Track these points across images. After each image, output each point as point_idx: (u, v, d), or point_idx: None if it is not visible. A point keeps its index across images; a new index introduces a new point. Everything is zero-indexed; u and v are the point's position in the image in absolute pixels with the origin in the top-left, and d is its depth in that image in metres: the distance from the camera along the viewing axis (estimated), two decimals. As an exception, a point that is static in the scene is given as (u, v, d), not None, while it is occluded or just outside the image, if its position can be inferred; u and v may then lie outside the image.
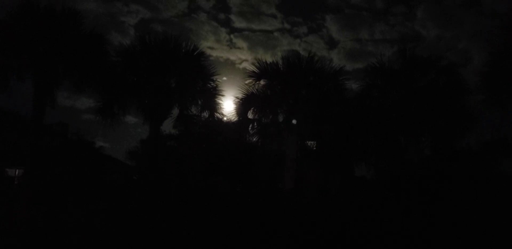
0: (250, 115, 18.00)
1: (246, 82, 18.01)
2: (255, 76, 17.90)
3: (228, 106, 18.19)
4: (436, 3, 30.60)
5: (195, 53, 17.38)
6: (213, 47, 30.74)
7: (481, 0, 29.45)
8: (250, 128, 18.09)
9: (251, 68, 17.94)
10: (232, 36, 31.42)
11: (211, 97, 17.48)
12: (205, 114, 17.77)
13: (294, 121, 17.04)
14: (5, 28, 15.39)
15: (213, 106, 17.60)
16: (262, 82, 18.07)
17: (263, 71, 17.83)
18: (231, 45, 31.24)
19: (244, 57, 31.26)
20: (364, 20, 31.85)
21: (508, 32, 15.60)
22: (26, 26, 15.25)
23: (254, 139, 18.84)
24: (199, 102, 17.57)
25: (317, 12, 32.50)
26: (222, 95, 17.70)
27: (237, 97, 17.93)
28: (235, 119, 18.26)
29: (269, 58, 17.46)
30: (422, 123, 16.44)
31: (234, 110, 18.05)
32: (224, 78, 19.07)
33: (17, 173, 21.73)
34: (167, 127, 18.68)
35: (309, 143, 19.08)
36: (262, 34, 32.01)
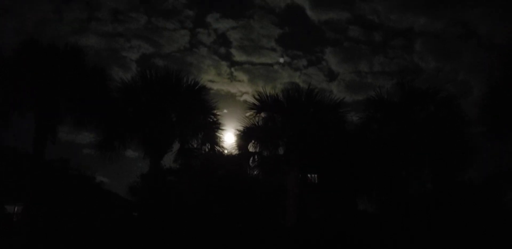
0: (251, 148, 17.95)
1: (247, 114, 18.08)
2: (256, 108, 17.97)
3: (229, 138, 18.23)
4: (434, 36, 31.34)
5: (196, 88, 17.53)
6: (214, 80, 31.21)
7: (479, 33, 30.09)
8: (251, 161, 18.00)
9: (252, 100, 18.06)
10: (232, 69, 31.98)
11: (212, 131, 17.51)
12: (206, 147, 17.73)
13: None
14: (8, 65, 15.60)
15: (214, 140, 17.59)
16: (262, 114, 18.12)
17: (263, 103, 17.91)
18: (232, 78, 31.72)
19: (244, 89, 31.66)
20: (363, 53, 32.50)
21: (506, 64, 15.80)
22: (29, 63, 15.47)
23: (255, 172, 18.73)
24: (200, 136, 17.56)
25: (316, 45, 33.20)
26: (223, 129, 17.76)
27: (238, 130, 17.97)
28: (236, 152, 18.21)
29: (269, 91, 17.71)
30: (423, 156, 16.36)
31: (235, 143, 18.04)
32: (225, 110, 19.19)
33: (16, 209, 21.46)
34: (168, 160, 18.60)
35: (310, 176, 18.95)
36: (262, 67, 32.58)
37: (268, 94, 17.96)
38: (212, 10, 31.12)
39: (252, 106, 17.90)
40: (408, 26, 31.65)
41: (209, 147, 17.61)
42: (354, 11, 31.85)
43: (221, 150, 18.04)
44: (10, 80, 15.35)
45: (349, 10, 31.64)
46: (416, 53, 31.84)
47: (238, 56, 32.34)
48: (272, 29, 32.06)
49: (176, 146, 17.28)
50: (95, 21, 29.58)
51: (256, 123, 17.87)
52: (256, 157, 17.87)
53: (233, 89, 31.55)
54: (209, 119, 17.57)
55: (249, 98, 19.84)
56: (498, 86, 15.65)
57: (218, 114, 17.76)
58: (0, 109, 15.42)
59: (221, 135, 17.67)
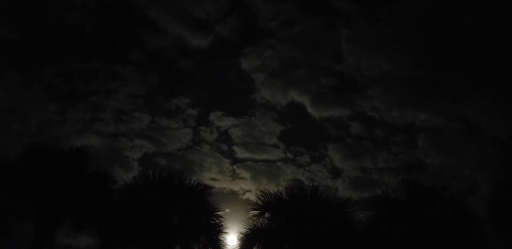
0: (255, 252, 17.17)
1: (250, 215, 17.58)
2: (259, 209, 17.51)
3: (231, 240, 17.55)
4: (436, 132, 31.85)
5: (199, 189, 17.47)
6: (216, 178, 31.03)
7: (481, 128, 30.67)
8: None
9: (255, 199, 17.68)
10: (235, 166, 31.96)
11: (215, 234, 17.02)
12: (208, 251, 17.06)
13: None
14: (12, 169, 15.74)
15: (216, 244, 17.01)
16: (266, 215, 17.62)
17: (267, 203, 17.51)
18: (234, 176, 31.54)
19: (247, 187, 31.28)
20: (366, 149, 32.73)
21: (510, 160, 15.78)
22: (33, 167, 15.68)
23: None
24: (202, 239, 17.00)
25: (318, 141, 33.71)
26: (226, 232, 17.32)
27: (241, 233, 17.30)
28: (240, 257, 17.39)
29: (273, 188, 17.63)
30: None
31: (238, 247, 17.28)
32: (227, 210, 18.80)
33: None
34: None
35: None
36: (265, 164, 32.56)
37: (271, 193, 17.68)
38: (215, 109, 32.14)
39: (255, 207, 17.47)
40: (409, 122, 32.19)
41: (211, 250, 16.94)
42: (354, 108, 32.72)
43: (224, 254, 17.33)
44: (12, 186, 15.37)
45: (349, 107, 32.51)
46: (420, 149, 31.97)
47: (241, 153, 32.53)
48: (274, 126, 32.69)
49: (177, 250, 16.68)
50: (98, 122, 30.47)
51: (260, 225, 17.27)
52: (261, 262, 17.00)
53: (235, 187, 31.17)
54: (211, 221, 17.19)
55: (252, 197, 19.56)
56: (505, 183, 15.48)
57: (221, 216, 17.44)
58: (0, 215, 15.27)
59: (223, 238, 17.19)
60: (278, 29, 33.10)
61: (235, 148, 32.24)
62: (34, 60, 30.08)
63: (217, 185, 30.34)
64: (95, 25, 30.96)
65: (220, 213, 17.50)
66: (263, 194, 17.65)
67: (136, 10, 31.81)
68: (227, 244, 17.25)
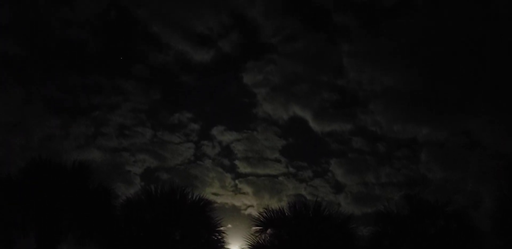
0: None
1: (252, 231, 17.55)
2: (262, 225, 17.49)
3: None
4: (438, 146, 31.71)
5: (201, 204, 17.39)
6: (218, 193, 30.84)
7: (483, 142, 30.58)
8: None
9: (257, 215, 17.72)
10: (237, 181, 31.78)
11: (216, 250, 16.91)
12: (210, 268, 16.96)
13: None
14: (14, 184, 15.76)
15: (219, 259, 16.90)
16: (269, 231, 17.58)
17: (269, 220, 17.49)
18: (236, 191, 31.34)
19: (249, 202, 31.07)
20: (369, 164, 32.52)
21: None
22: (35, 182, 15.67)
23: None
24: (203, 255, 16.93)
25: (320, 156, 33.50)
26: (228, 248, 17.22)
27: (243, 249, 17.30)
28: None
29: (274, 203, 17.64)
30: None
31: (240, 265, 17.24)
32: (229, 225, 18.73)
33: None
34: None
35: None
36: (267, 179, 32.37)
37: (273, 209, 17.66)
38: (217, 123, 32.12)
39: (257, 223, 17.45)
40: (411, 137, 32.06)
41: (213, 267, 16.86)
42: (356, 123, 32.65)
43: (226, 271, 17.23)
44: (14, 200, 15.41)
45: (351, 122, 32.43)
46: (422, 164, 31.79)
47: (243, 168, 32.39)
48: (275, 140, 32.57)
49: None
50: (101, 136, 30.42)
51: (262, 241, 17.21)
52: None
53: (237, 203, 30.96)
54: (213, 237, 17.08)
55: (254, 212, 19.52)
56: (508, 197, 15.50)
57: (223, 232, 17.32)
58: (3, 231, 15.27)
59: (226, 254, 17.04)
60: (280, 44, 33.18)
61: (237, 162, 32.13)
62: (37, 74, 30.15)
63: (219, 200, 30.18)
64: (98, 40, 31.15)
65: (222, 228, 17.40)
66: (265, 210, 17.67)
67: (139, 25, 32.02)
68: (229, 260, 17.19)
